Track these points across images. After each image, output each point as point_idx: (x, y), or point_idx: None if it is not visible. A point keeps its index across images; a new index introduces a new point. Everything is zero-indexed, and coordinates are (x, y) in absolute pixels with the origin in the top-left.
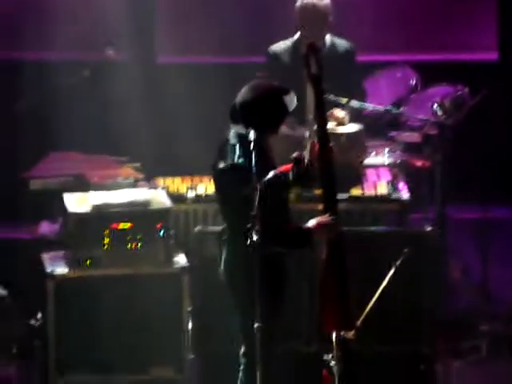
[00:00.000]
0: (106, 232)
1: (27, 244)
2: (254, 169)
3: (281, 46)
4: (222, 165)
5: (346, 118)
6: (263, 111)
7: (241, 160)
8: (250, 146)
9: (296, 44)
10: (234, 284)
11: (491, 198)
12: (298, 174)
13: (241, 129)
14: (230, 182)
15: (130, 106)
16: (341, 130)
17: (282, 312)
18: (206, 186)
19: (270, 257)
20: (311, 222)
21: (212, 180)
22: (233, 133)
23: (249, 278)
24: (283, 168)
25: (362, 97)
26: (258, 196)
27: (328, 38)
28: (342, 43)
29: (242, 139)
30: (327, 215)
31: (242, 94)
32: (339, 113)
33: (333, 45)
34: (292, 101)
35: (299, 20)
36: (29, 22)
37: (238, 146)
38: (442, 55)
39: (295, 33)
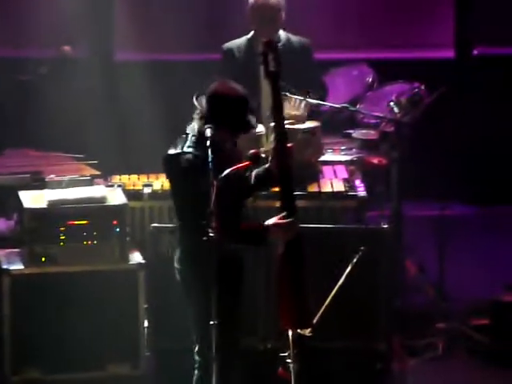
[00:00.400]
0: (62, 228)
1: None
2: (209, 165)
3: (236, 43)
4: (170, 152)
5: (302, 107)
6: (231, 107)
7: (190, 149)
8: (204, 140)
9: (251, 41)
10: (188, 282)
11: (448, 195)
12: (260, 178)
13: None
14: (177, 170)
15: (88, 103)
16: (297, 126)
17: (240, 309)
18: (162, 183)
19: (228, 253)
20: (269, 222)
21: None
22: (190, 126)
23: (203, 276)
24: (240, 165)
25: (322, 92)
26: (214, 192)
27: (283, 34)
28: (297, 40)
29: (199, 133)
30: (285, 215)
31: (218, 85)
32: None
33: (288, 41)
34: (253, 122)
35: (252, 18)
36: None
37: (190, 136)
38: (399, 53)
39: (251, 30)
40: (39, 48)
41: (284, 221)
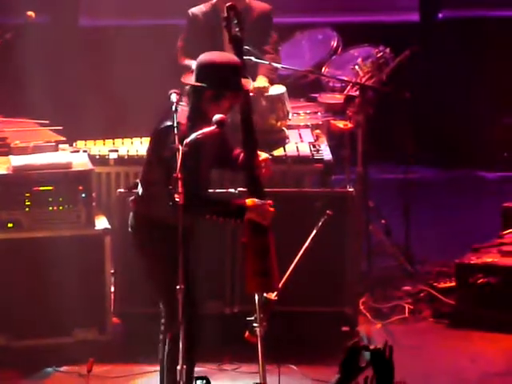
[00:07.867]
0: (28, 194)
1: None
2: (175, 130)
3: (201, 8)
4: (164, 124)
5: (268, 87)
6: (217, 68)
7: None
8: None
9: (215, 6)
10: (145, 249)
11: (413, 158)
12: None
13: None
14: (165, 142)
15: (52, 68)
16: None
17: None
18: (128, 148)
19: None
20: (248, 201)
21: (149, 140)
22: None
23: (160, 243)
24: (206, 130)
25: (276, 58)
26: (180, 157)
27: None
28: (258, 5)
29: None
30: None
31: (207, 53)
32: (261, 83)
33: (249, 7)
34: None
35: None
36: None
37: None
38: (364, 16)
39: None
40: (3, 14)
41: (263, 204)
